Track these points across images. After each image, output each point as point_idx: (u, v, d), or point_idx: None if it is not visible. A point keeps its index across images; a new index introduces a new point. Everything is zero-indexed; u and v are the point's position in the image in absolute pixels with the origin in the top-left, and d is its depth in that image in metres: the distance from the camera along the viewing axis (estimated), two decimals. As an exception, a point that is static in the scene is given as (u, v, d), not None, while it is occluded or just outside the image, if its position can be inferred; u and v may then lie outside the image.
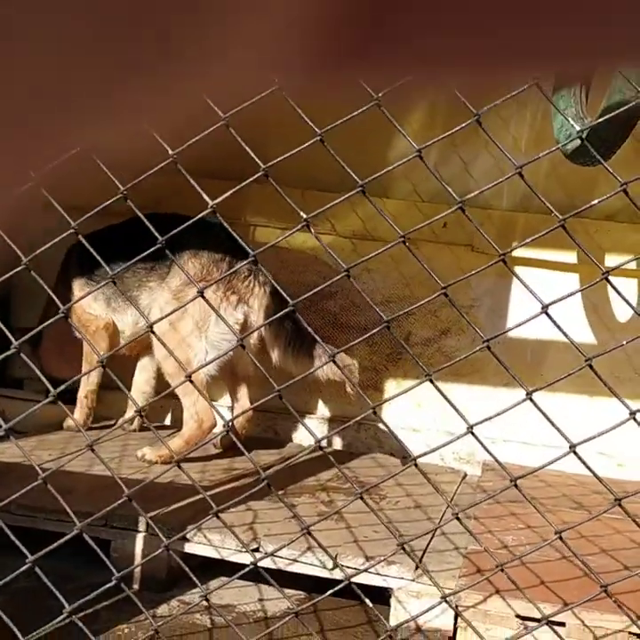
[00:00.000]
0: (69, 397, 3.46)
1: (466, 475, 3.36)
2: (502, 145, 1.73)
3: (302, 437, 3.55)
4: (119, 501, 1.53)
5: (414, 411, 3.56)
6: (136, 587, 2.33)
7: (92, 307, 3.26)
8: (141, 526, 2.35)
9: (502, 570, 1.58)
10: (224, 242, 2.89)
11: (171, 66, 0.31)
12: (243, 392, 3.21)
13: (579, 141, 2.39)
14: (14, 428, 3.44)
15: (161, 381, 3.36)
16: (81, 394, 3.34)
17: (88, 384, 3.31)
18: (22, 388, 3.73)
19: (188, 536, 2.32)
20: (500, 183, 1.51)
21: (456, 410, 1.61)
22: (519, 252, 3.45)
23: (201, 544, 2.33)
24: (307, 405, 3.62)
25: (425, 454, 1.57)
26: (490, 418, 1.67)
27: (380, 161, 3.76)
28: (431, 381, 1.70)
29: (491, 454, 1.57)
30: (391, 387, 3.58)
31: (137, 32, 0.30)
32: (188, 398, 2.97)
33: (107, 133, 0.34)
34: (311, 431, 1.78)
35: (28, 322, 3.30)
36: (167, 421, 3.75)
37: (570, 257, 3.38)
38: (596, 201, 1.53)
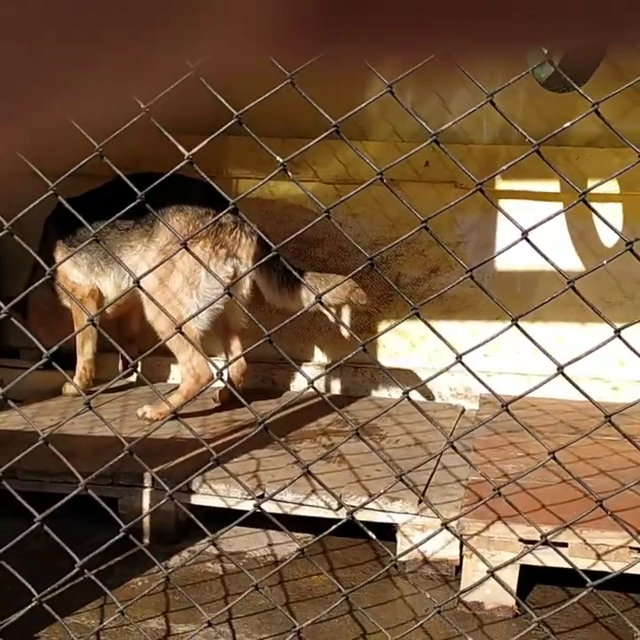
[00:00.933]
0: (66, 364, 3.48)
1: (464, 410, 3.39)
2: (478, 79, 1.73)
3: (300, 386, 3.59)
4: (120, 456, 1.56)
5: (408, 351, 3.58)
6: (147, 541, 2.37)
7: (74, 274, 3.24)
8: (147, 482, 2.39)
9: (500, 494, 1.61)
10: (207, 196, 2.88)
11: (147, 41, 0.32)
12: (236, 345, 3.23)
13: (552, 68, 2.38)
14: (13, 396, 3.49)
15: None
16: (79, 366, 3.35)
17: (84, 355, 3.32)
18: (19, 357, 3.74)
19: (193, 487, 2.36)
20: (472, 113, 1.51)
21: (444, 341, 1.63)
22: (503, 185, 3.46)
23: (207, 495, 2.37)
24: (303, 353, 3.65)
25: (417, 387, 1.60)
26: (478, 346, 1.68)
27: (358, 103, 3.75)
28: (418, 315, 1.70)
29: (482, 383, 1.59)
30: (383, 328, 3.59)
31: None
32: (184, 354, 2.99)
33: (84, 103, 0.34)
34: (304, 374, 1.80)
35: (11, 290, 3.31)
36: (171, 381, 3.78)
37: (553, 186, 3.38)
38: (568, 123, 1.53)
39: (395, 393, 3.56)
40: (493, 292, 3.55)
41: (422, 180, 3.47)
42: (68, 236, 3.22)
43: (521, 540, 2.00)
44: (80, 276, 3.25)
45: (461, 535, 2.05)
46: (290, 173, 1.54)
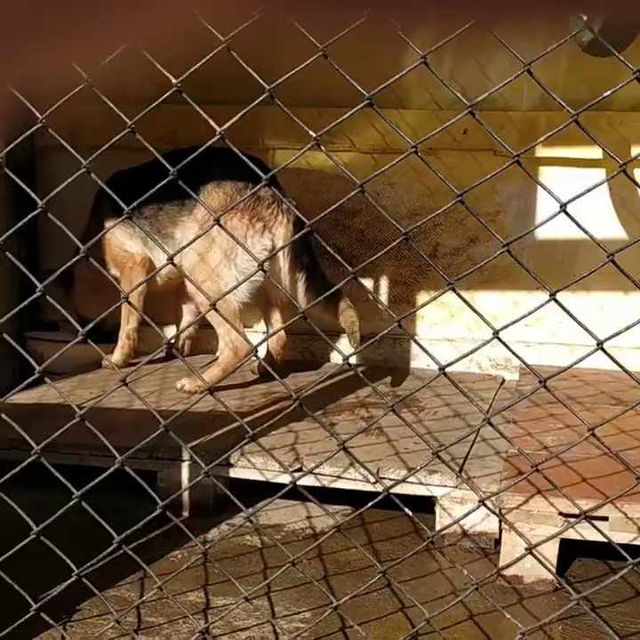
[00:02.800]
0: (108, 337, 3.51)
1: (504, 380, 3.37)
2: (518, 43, 1.68)
3: (339, 357, 3.58)
4: (156, 433, 1.56)
5: (448, 321, 3.55)
6: (186, 514, 2.39)
7: (128, 244, 3.28)
8: (185, 456, 2.39)
9: (538, 470, 1.58)
10: (247, 169, 2.87)
11: None
12: (276, 318, 3.23)
13: (591, 34, 2.32)
14: (53, 369, 3.52)
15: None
16: (122, 336, 3.37)
17: (129, 325, 3.34)
18: (58, 330, 3.76)
19: (231, 461, 2.36)
20: (510, 83, 1.46)
21: (480, 316, 1.59)
22: (544, 152, 3.39)
23: (245, 468, 2.37)
24: (339, 325, 3.63)
25: (453, 363, 1.56)
26: (515, 322, 1.64)
27: (396, 72, 3.69)
28: (454, 290, 1.66)
29: (519, 359, 1.56)
30: (422, 298, 3.57)
31: None
32: (223, 327, 3.00)
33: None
34: (339, 350, 1.78)
35: (57, 264, 3.33)
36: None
37: (595, 152, 3.31)
38: (608, 92, 1.48)
39: (434, 363, 3.53)
40: (533, 261, 3.54)
41: (461, 149, 3.42)
42: (120, 209, 3.23)
43: (561, 513, 1.98)
44: (134, 246, 3.28)
45: (500, 509, 2.03)
46: (323, 147, 1.51)
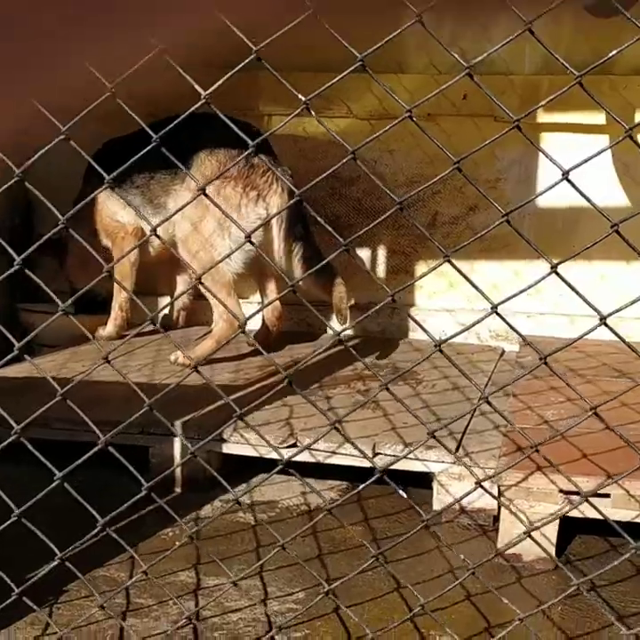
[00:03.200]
0: (103, 307, 3.44)
1: (504, 351, 3.31)
2: (520, 4, 1.61)
3: (336, 327, 3.52)
4: (141, 411, 1.50)
5: (447, 291, 3.49)
6: (178, 490, 2.34)
7: (120, 214, 3.21)
8: (178, 430, 2.34)
9: (537, 451, 1.53)
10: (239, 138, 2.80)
11: None
12: (271, 288, 3.16)
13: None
14: (47, 342, 3.46)
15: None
16: (114, 304, 3.32)
17: (120, 296, 3.28)
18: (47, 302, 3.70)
19: (224, 436, 2.31)
20: (509, 42, 1.39)
21: (478, 290, 1.53)
22: (546, 118, 3.31)
23: (238, 443, 2.32)
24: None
25: (450, 338, 1.50)
26: (514, 296, 1.58)
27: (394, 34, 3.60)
28: (450, 262, 1.60)
29: (518, 333, 1.50)
30: (421, 268, 3.51)
31: None
32: (216, 299, 2.93)
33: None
34: (331, 326, 1.72)
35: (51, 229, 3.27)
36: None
37: (598, 118, 3.23)
38: (613, 52, 1.40)
39: (433, 334, 3.47)
40: (534, 230, 3.47)
41: (460, 114, 3.34)
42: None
43: (561, 491, 1.93)
44: (126, 216, 3.21)
45: (499, 487, 1.98)
46: (313, 112, 1.44)
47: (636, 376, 2.70)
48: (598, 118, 3.22)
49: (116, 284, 3.27)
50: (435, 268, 1.57)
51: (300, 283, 2.94)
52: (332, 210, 3.51)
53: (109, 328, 3.31)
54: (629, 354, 2.95)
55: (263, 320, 3.18)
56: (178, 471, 2.35)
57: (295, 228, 2.92)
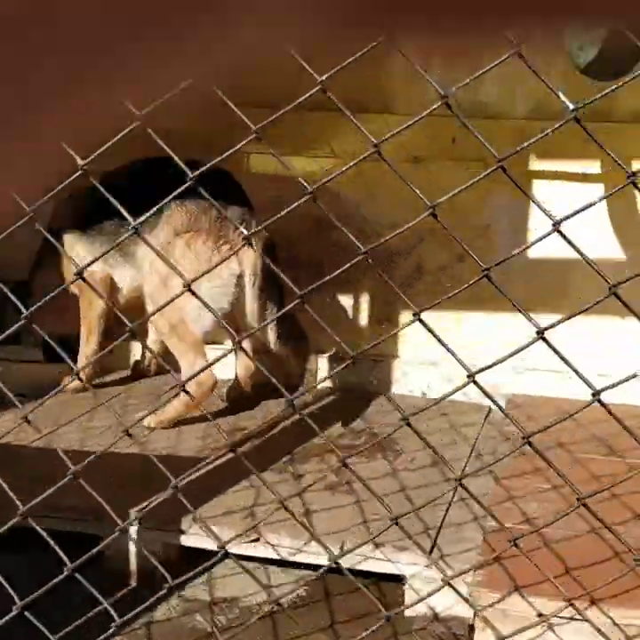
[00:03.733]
0: (72, 353, 3.28)
1: (490, 411, 3.15)
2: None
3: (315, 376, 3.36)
4: (63, 482, 1.35)
5: (431, 343, 3.32)
6: (133, 583, 2.18)
7: (88, 260, 3.02)
8: (133, 515, 2.18)
9: (510, 577, 1.38)
10: (214, 187, 2.64)
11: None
12: (246, 345, 3.00)
13: (591, 54, 2.09)
14: (12, 390, 3.30)
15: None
16: (81, 356, 3.15)
17: (88, 346, 3.12)
18: (20, 342, 3.53)
19: (183, 527, 2.15)
20: (479, 77, 1.25)
21: (454, 355, 1.42)
22: (537, 165, 3.15)
23: (197, 535, 2.16)
24: (318, 344, 3.41)
25: (420, 412, 1.39)
26: (495, 364, 1.48)
27: (381, 75, 3.45)
28: (420, 321, 1.51)
29: (497, 406, 1.40)
30: (405, 318, 3.34)
31: None
32: (185, 359, 2.77)
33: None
34: (285, 393, 1.56)
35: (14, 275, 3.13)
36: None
37: (593, 167, 3.07)
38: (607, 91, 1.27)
39: (416, 390, 3.32)
40: (523, 282, 3.29)
41: (451, 159, 3.18)
42: (80, 223, 2.99)
43: (540, 614, 1.77)
44: (94, 264, 3.03)
45: (474, 604, 1.83)
46: (272, 150, 1.34)
47: (627, 453, 2.55)
48: (593, 167, 3.06)
49: (83, 335, 3.11)
50: (406, 326, 1.48)
51: (273, 346, 2.79)
52: (315, 253, 3.35)
53: (76, 380, 3.14)
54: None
55: (236, 375, 3.03)
56: (132, 563, 2.19)
57: (270, 288, 2.75)
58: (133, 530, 2.18)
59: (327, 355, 3.40)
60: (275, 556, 2.11)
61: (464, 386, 1.48)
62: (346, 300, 3.39)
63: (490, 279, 1.55)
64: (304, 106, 3.21)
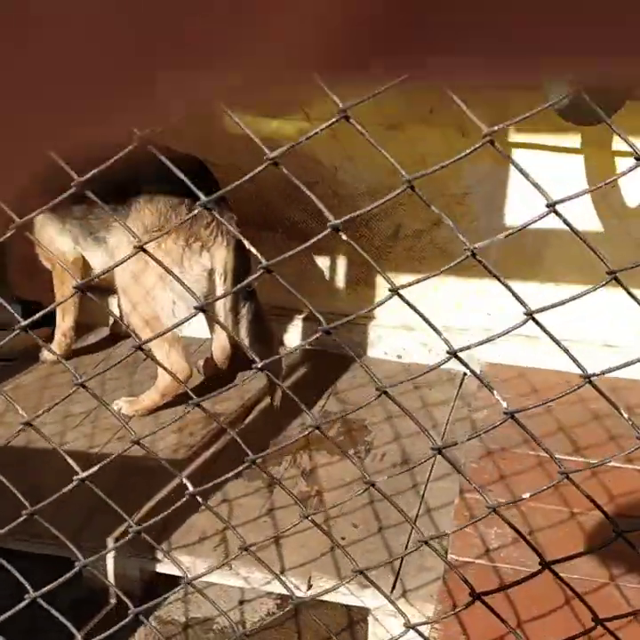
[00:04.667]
0: (49, 320, 3.29)
1: (464, 377, 3.20)
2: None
3: (292, 343, 3.39)
4: (20, 519, 1.44)
5: (407, 308, 3.33)
6: (113, 601, 2.30)
7: (59, 241, 2.98)
8: (110, 544, 2.27)
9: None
10: (182, 182, 2.58)
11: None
12: (219, 327, 3.01)
13: (564, 101, 2.01)
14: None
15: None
16: (57, 331, 3.17)
17: (64, 321, 3.12)
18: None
19: (157, 556, 2.25)
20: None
21: (436, 331, 1.41)
22: (517, 137, 3.07)
23: (170, 563, 2.25)
24: (296, 303, 3.42)
25: (398, 383, 1.44)
26: (481, 343, 1.46)
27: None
28: (400, 296, 1.51)
29: (481, 380, 1.42)
30: (382, 281, 3.34)
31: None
32: (160, 350, 2.79)
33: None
34: (255, 357, 1.61)
35: None
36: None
37: (573, 140, 2.99)
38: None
39: (392, 352, 3.36)
40: (501, 250, 3.28)
41: (428, 124, 3.09)
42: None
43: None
44: (64, 244, 2.99)
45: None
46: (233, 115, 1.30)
47: (591, 451, 2.62)
48: (572, 140, 2.99)
49: (58, 312, 3.11)
50: (383, 303, 1.47)
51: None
52: (290, 216, 3.31)
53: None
54: (586, 404, 2.85)
55: (211, 355, 3.06)
56: (111, 581, 2.30)
57: (240, 298, 2.74)
58: (110, 555, 2.27)
59: (302, 316, 3.42)
60: (246, 586, 2.21)
61: (445, 362, 1.45)
62: (323, 262, 3.38)
63: (474, 256, 1.50)
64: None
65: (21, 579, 1.78)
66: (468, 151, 1.32)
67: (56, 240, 2.97)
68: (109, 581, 2.25)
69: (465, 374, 3.24)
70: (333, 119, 1.28)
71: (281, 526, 2.33)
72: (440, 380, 3.15)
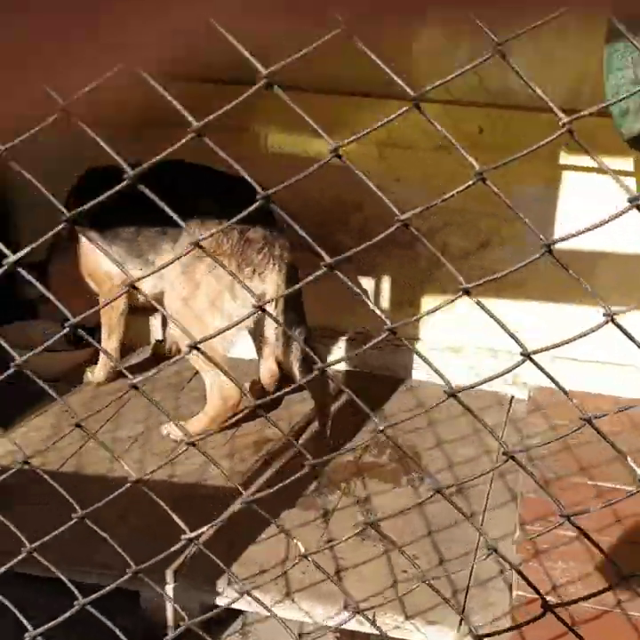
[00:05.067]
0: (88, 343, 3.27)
1: (511, 404, 3.16)
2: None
3: (338, 366, 3.36)
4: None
5: (453, 328, 3.30)
6: (170, 634, 2.27)
7: (105, 264, 2.93)
8: (169, 577, 2.24)
9: None
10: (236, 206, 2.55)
11: None
12: (267, 352, 2.98)
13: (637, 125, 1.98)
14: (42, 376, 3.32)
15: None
16: (103, 354, 3.15)
17: (109, 341, 3.09)
18: (36, 311, 3.48)
19: (218, 588, 2.22)
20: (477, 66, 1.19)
21: (508, 333, 1.32)
22: (567, 159, 3.04)
23: (233, 597, 2.22)
24: (340, 324, 3.39)
25: (460, 391, 1.33)
26: (555, 346, 1.35)
27: (404, 60, 3.25)
28: (467, 293, 1.39)
29: (562, 390, 1.32)
30: (427, 303, 3.31)
31: None
32: (209, 374, 2.77)
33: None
34: (278, 426, 1.57)
35: (29, 237, 3.07)
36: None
37: (626, 164, 2.96)
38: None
39: (436, 376, 3.32)
40: (549, 269, 3.25)
41: (477, 147, 3.05)
42: (97, 222, 2.85)
43: None
44: (112, 266, 2.95)
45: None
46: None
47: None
48: (625, 164, 2.95)
49: (104, 331, 3.09)
50: (452, 301, 1.38)
51: (297, 376, 2.77)
52: (336, 237, 3.28)
53: (100, 374, 3.15)
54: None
55: (259, 379, 3.04)
56: (169, 614, 2.27)
57: (293, 312, 2.72)
58: (169, 587, 2.24)
59: (346, 337, 3.40)
60: (308, 620, 2.18)
61: (517, 366, 1.35)
62: (367, 284, 3.35)
63: (551, 253, 1.39)
64: (321, 89, 3.16)
65: (24, 620, 1.73)
66: (462, 188, 1.24)
67: (102, 262, 2.94)
68: (168, 614, 2.23)
69: (512, 397, 3.21)
70: (328, 158, 1.22)
71: (339, 557, 2.30)
72: (488, 405, 3.12)
